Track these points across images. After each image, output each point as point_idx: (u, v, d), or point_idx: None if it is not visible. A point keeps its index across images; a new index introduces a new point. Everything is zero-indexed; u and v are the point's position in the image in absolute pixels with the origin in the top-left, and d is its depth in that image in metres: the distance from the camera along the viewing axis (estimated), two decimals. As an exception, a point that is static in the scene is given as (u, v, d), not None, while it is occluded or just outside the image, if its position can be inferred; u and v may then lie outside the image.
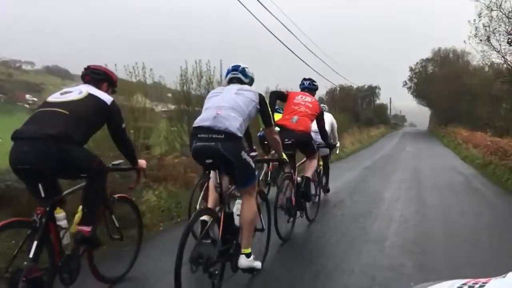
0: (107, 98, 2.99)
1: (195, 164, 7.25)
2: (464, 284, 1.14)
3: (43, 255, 2.64)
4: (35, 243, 2.52)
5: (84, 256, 2.97)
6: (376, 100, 68.21)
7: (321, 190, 6.67)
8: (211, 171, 3.35)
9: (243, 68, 3.49)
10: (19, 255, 2.54)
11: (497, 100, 24.76)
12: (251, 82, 3.53)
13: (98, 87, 3.09)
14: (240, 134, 3.03)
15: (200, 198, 4.40)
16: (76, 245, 2.86)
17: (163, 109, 14.85)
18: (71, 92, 2.93)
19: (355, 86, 51.82)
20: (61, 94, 2.93)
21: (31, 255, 2.48)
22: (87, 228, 2.88)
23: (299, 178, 4.93)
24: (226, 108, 3.08)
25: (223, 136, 2.95)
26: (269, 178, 6.75)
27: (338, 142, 7.70)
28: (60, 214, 2.84)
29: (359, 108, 51.02)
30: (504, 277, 1.10)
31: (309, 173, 5.06)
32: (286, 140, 4.61)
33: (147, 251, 3.98)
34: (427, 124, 65.90)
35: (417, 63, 53.27)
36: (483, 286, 1.08)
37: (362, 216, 6.07)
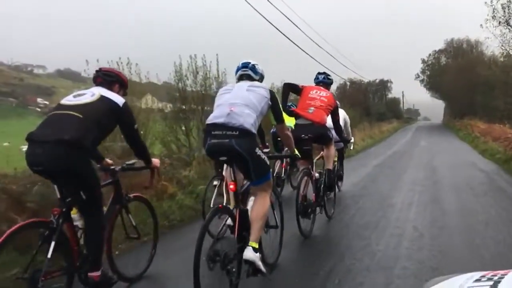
0: (119, 99, 3.02)
1: (172, 170, 6.32)
2: (483, 276, 1.14)
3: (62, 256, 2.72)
4: (52, 243, 2.57)
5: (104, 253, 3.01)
6: (388, 94, 66.90)
7: (338, 186, 6.80)
8: (224, 169, 3.38)
9: (253, 65, 3.47)
10: (37, 255, 2.59)
11: (516, 89, 23.43)
12: (261, 78, 3.51)
13: (110, 89, 3.12)
14: (254, 131, 3.04)
15: (214, 196, 4.54)
16: None
17: (158, 107, 14.13)
18: (84, 94, 2.97)
19: (366, 80, 50.01)
20: (74, 96, 2.97)
21: (49, 255, 2.54)
22: (96, 273, 2.85)
23: (317, 174, 4.91)
24: (239, 104, 3.08)
25: (237, 133, 2.95)
26: (283, 175, 6.82)
27: (353, 138, 7.61)
28: (76, 214, 2.87)
29: (371, 103, 49.73)
30: None
31: (329, 165, 5.06)
32: (303, 135, 4.67)
33: None
34: (441, 118, 65.10)
35: (429, 54, 51.81)
36: (502, 277, 1.08)
37: (368, 228, 5.10)
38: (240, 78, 3.45)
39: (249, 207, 3.24)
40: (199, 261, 2.60)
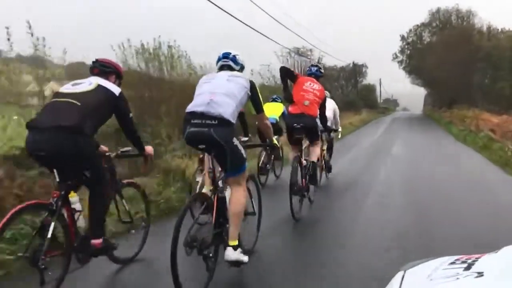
0: (115, 89, 3.16)
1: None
2: (458, 259, 1.20)
3: (60, 236, 2.90)
4: (52, 224, 2.72)
5: None
6: (362, 81, 58.79)
7: (326, 174, 7.53)
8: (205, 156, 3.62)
9: (234, 55, 3.56)
10: (37, 235, 2.74)
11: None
12: (241, 69, 3.60)
13: (107, 79, 3.23)
14: (233, 120, 3.11)
15: (199, 183, 4.58)
16: (91, 257, 3.07)
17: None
18: (81, 83, 3.09)
19: (339, 65, 43.53)
20: (72, 85, 3.09)
21: (49, 235, 2.68)
22: (98, 241, 3.00)
23: (304, 161, 5.29)
24: (219, 94, 3.14)
25: (216, 122, 3.02)
26: (268, 166, 7.12)
27: (340, 127, 7.95)
28: (74, 198, 3.03)
29: (344, 91, 43.15)
30: (496, 252, 1.18)
31: (313, 158, 5.42)
32: (295, 124, 5.15)
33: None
34: (422, 108, 57.69)
35: (410, 30, 42.74)
36: (476, 260, 1.14)
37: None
38: (221, 68, 3.52)
39: (227, 194, 3.32)
40: (176, 247, 2.71)
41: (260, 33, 18.05)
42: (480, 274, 1.04)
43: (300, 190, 5.00)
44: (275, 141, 4.02)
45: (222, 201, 3.20)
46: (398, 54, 43.95)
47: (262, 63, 23.08)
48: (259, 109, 3.47)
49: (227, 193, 3.31)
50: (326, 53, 28.17)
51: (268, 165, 7.07)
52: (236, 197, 3.20)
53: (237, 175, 3.22)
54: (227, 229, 3.18)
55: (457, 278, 1.05)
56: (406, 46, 42.86)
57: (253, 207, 3.72)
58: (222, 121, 3.00)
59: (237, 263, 3.17)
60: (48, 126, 2.77)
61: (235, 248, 3.11)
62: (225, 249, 3.14)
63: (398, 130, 22.02)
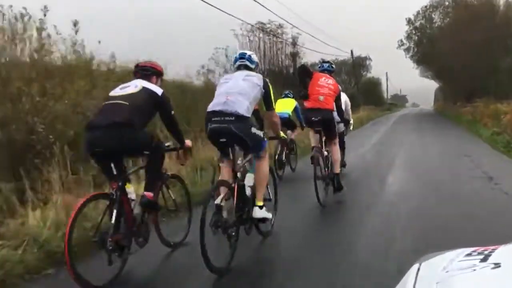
0: (158, 90, 3.55)
1: None
2: (474, 251, 1.17)
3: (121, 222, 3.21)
4: (114, 211, 3.12)
5: (151, 223, 3.63)
6: (366, 74, 53.39)
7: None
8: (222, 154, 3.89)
9: (249, 55, 4.02)
10: (102, 222, 3.13)
11: None
12: (256, 67, 4.03)
13: (149, 80, 3.63)
14: (248, 115, 3.57)
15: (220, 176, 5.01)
16: (142, 208, 3.42)
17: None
18: (128, 86, 3.52)
19: (340, 58, 38.31)
20: (120, 89, 3.53)
21: (113, 221, 3.10)
22: (150, 194, 3.42)
23: (325, 152, 5.56)
24: (234, 93, 3.58)
25: (233, 118, 3.47)
26: (284, 158, 7.44)
27: (352, 120, 8.18)
28: (130, 188, 3.41)
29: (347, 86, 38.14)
30: None
31: (336, 168, 5.70)
32: (313, 118, 5.47)
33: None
34: (432, 104, 53.89)
35: (417, 13, 36.24)
36: (493, 251, 1.12)
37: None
38: (238, 68, 3.93)
39: (246, 181, 3.78)
40: (204, 227, 3.11)
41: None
42: (497, 265, 1.02)
43: (323, 177, 5.41)
44: (283, 135, 4.65)
45: (241, 188, 3.69)
46: (404, 41, 37.61)
47: (217, 46, 17.51)
48: (269, 107, 3.93)
49: (246, 181, 3.79)
50: (303, 31, 21.52)
51: (283, 159, 7.39)
52: (261, 167, 3.81)
53: (261, 152, 3.79)
54: (246, 211, 3.68)
55: (474, 270, 1.03)
56: (414, 32, 36.50)
57: (269, 194, 4.18)
58: (238, 117, 3.48)
59: (263, 220, 3.86)
60: (104, 124, 3.23)
61: (261, 207, 3.75)
62: (245, 228, 3.75)
63: (403, 135, 15.88)
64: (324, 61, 6.32)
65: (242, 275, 3.40)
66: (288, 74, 21.07)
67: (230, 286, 3.24)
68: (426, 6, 35.42)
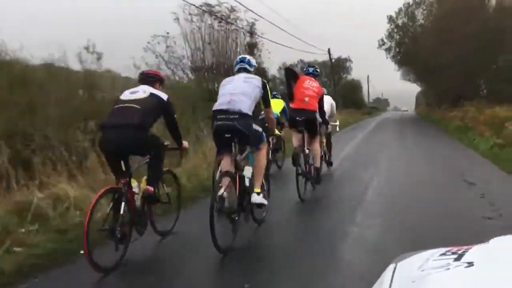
0: (164, 96, 3.98)
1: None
2: (448, 251, 1.18)
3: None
4: (123, 203, 3.52)
5: (147, 213, 4.02)
6: (346, 77, 51.23)
7: (327, 166, 8.19)
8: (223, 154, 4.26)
9: (249, 59, 4.53)
10: (111, 212, 3.55)
11: None
12: (254, 69, 4.55)
13: (153, 87, 4.03)
14: (250, 113, 4.01)
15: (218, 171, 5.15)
16: (143, 200, 3.88)
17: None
18: (137, 91, 3.90)
19: (319, 60, 37.43)
20: (130, 93, 3.89)
21: (121, 212, 3.51)
22: (151, 188, 3.86)
23: (307, 151, 6.02)
24: (237, 94, 4.05)
25: (237, 116, 3.93)
26: (270, 156, 7.23)
27: (338, 121, 8.77)
28: (134, 183, 3.85)
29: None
30: (485, 243, 1.17)
31: (316, 161, 6.22)
32: (298, 117, 5.92)
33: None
34: (414, 107, 52.09)
35: (399, 10, 33.62)
36: (466, 251, 1.13)
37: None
38: (239, 70, 4.42)
39: (245, 173, 4.22)
40: (213, 212, 3.61)
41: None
42: (470, 264, 1.05)
43: (304, 174, 5.88)
44: (277, 132, 5.17)
45: (242, 178, 4.16)
46: (385, 40, 35.02)
47: (154, 34, 14.42)
48: (267, 105, 4.45)
49: (245, 172, 4.23)
50: (261, 16, 17.96)
51: (270, 157, 7.40)
52: (259, 157, 4.29)
53: (260, 145, 4.28)
54: (246, 200, 4.17)
55: (448, 269, 1.06)
56: (395, 30, 33.91)
57: (264, 184, 4.58)
58: (241, 115, 3.93)
59: (260, 205, 4.29)
60: (119, 124, 3.64)
61: (258, 194, 4.17)
62: (245, 215, 4.24)
63: (381, 147, 12.53)
64: (309, 65, 6.93)
65: (240, 255, 3.88)
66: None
67: (227, 265, 3.73)
68: (408, 3, 32.95)
